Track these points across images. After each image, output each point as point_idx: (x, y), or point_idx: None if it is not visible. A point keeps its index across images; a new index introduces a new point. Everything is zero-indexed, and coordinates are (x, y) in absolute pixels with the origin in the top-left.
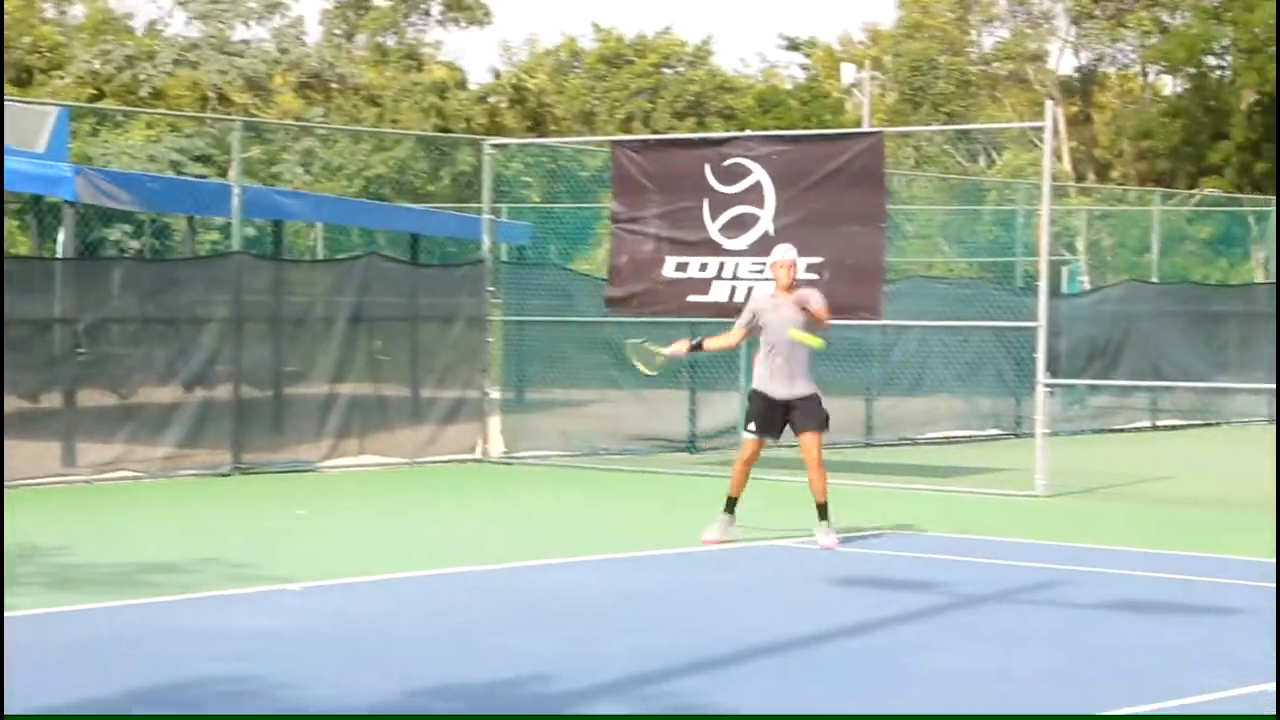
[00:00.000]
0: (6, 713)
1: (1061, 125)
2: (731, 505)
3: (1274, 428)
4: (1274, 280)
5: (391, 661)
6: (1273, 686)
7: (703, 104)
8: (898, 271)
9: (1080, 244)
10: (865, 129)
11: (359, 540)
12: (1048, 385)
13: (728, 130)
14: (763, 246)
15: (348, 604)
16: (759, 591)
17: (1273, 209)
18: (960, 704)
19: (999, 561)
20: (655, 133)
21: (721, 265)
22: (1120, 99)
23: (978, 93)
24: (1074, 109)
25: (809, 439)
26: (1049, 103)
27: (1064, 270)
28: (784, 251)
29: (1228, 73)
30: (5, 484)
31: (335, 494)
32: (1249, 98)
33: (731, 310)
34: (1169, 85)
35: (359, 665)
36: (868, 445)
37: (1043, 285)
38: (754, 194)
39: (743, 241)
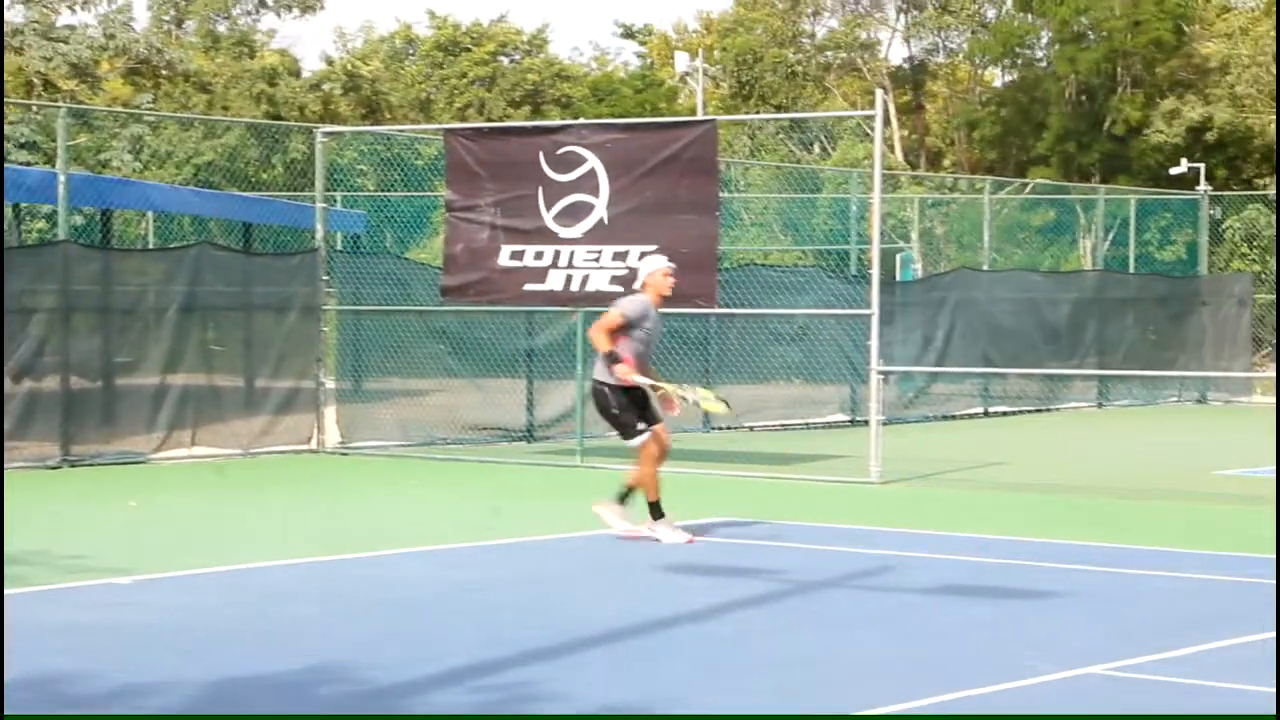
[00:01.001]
0: (7, 713)
1: (893, 114)
2: (657, 509)
3: (1094, 413)
4: (1102, 269)
5: (219, 654)
6: (1099, 669)
7: (539, 92)
8: (734, 259)
9: (914, 232)
10: (698, 117)
11: (190, 533)
12: (881, 372)
13: (564, 119)
14: (597, 235)
15: (178, 597)
16: (593, 580)
17: (1099, 198)
18: (787, 690)
19: (834, 548)
20: (491, 121)
21: (557, 254)
22: (950, 88)
23: (805, 84)
24: (906, 98)
25: (657, 434)
26: (879, 91)
27: (897, 258)
28: (667, 261)
29: (1046, 64)
30: None
31: (167, 486)
32: (1070, 88)
33: (566, 299)
34: (997, 76)
35: (187, 658)
36: (706, 432)
37: (875, 273)
38: (588, 182)
39: (577, 230)
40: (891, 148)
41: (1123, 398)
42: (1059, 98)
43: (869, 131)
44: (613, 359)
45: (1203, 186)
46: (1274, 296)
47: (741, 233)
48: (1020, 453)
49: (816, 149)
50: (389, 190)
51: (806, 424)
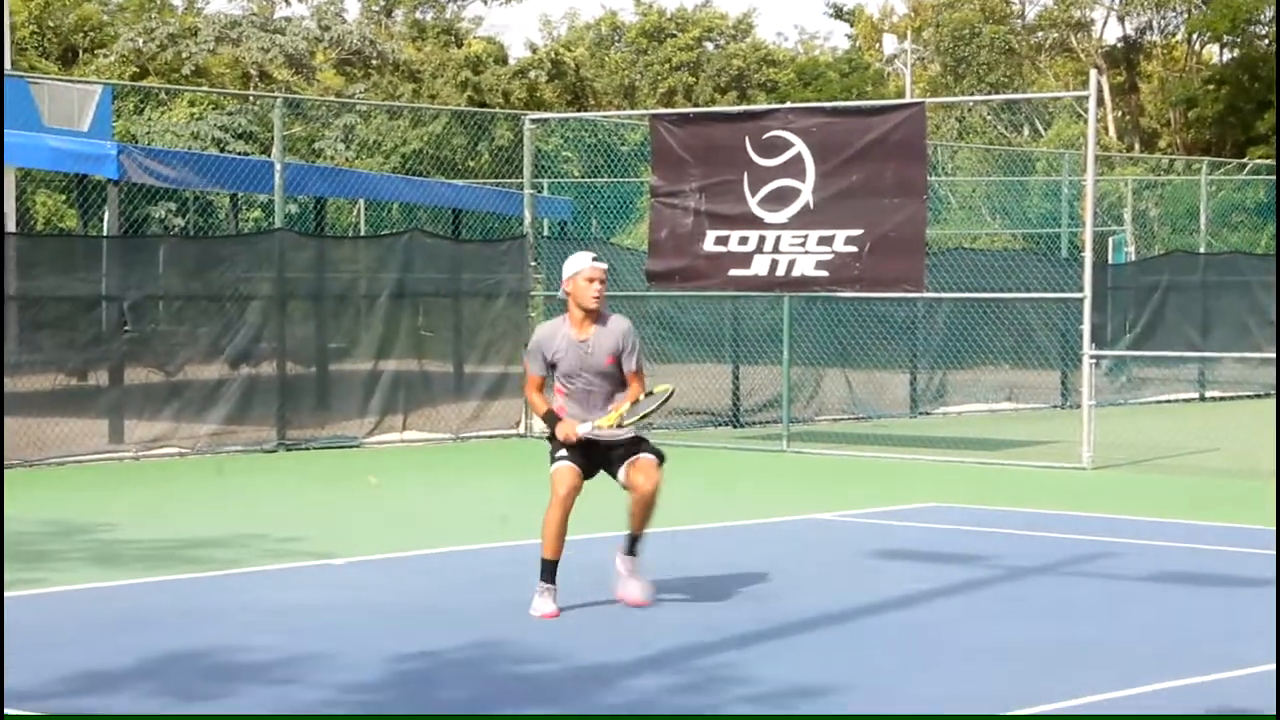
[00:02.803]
0: (8, 712)
1: (1106, 94)
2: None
3: None
4: None
5: (425, 635)
6: None
7: (745, 77)
8: (942, 243)
9: (1126, 214)
10: (906, 100)
11: (403, 516)
12: (1093, 357)
13: (769, 104)
14: (802, 219)
15: (390, 579)
16: (800, 566)
17: None
18: (998, 676)
19: (1045, 534)
20: (696, 107)
21: (762, 239)
22: (1166, 67)
23: (1021, 62)
24: (1119, 78)
25: (642, 463)
26: (1093, 71)
27: (1110, 241)
28: (594, 259)
29: (1269, 41)
30: (51, 460)
31: (379, 470)
32: None
33: (771, 284)
34: (1215, 54)
35: (396, 639)
36: (912, 418)
37: (1088, 256)
38: (794, 167)
39: (783, 215)
40: (1105, 129)
41: None
42: None
43: (1082, 112)
44: (548, 421)
45: None
46: None
47: (949, 216)
48: (1235, 438)
49: (1027, 130)
50: (594, 176)
51: (1016, 408)
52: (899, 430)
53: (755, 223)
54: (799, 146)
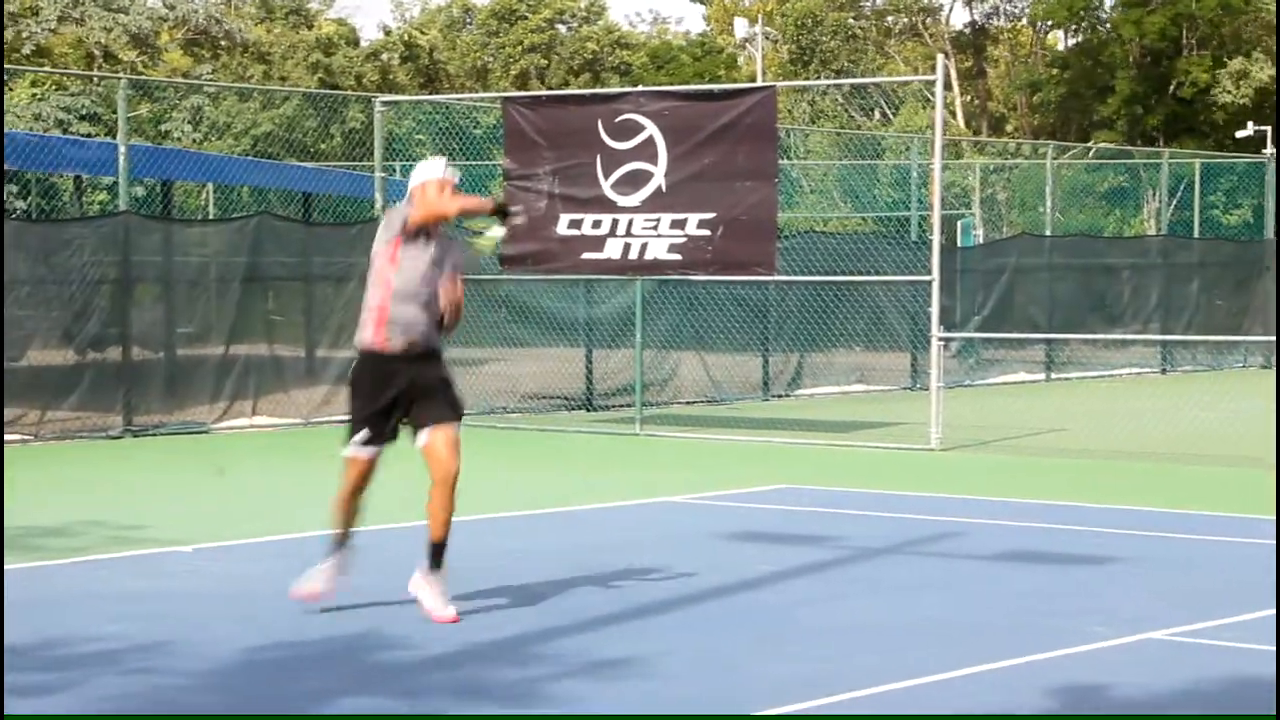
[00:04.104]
0: (6, 713)
1: (955, 80)
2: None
3: (1158, 379)
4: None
5: (274, 621)
6: (1159, 634)
7: (598, 60)
8: (793, 227)
9: (975, 198)
10: (757, 84)
11: (252, 502)
12: (942, 339)
13: (622, 87)
14: (655, 203)
15: (238, 565)
16: (651, 548)
17: (1163, 161)
18: (848, 655)
19: (893, 515)
20: (550, 90)
21: (615, 222)
22: (1012, 53)
23: (865, 48)
24: (968, 64)
25: (444, 435)
26: (940, 57)
27: (958, 224)
28: (445, 168)
29: (1110, 28)
30: None
31: (228, 456)
32: (1135, 51)
33: (624, 268)
34: (1060, 40)
35: (244, 625)
36: (764, 401)
37: (936, 239)
38: (646, 150)
39: (636, 198)
40: (953, 113)
41: (1186, 364)
42: (1124, 61)
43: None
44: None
45: (1270, 149)
46: None
47: (801, 200)
48: (1082, 419)
49: (877, 115)
50: (448, 159)
51: (868, 390)
52: (752, 413)
53: (608, 206)
54: (651, 130)
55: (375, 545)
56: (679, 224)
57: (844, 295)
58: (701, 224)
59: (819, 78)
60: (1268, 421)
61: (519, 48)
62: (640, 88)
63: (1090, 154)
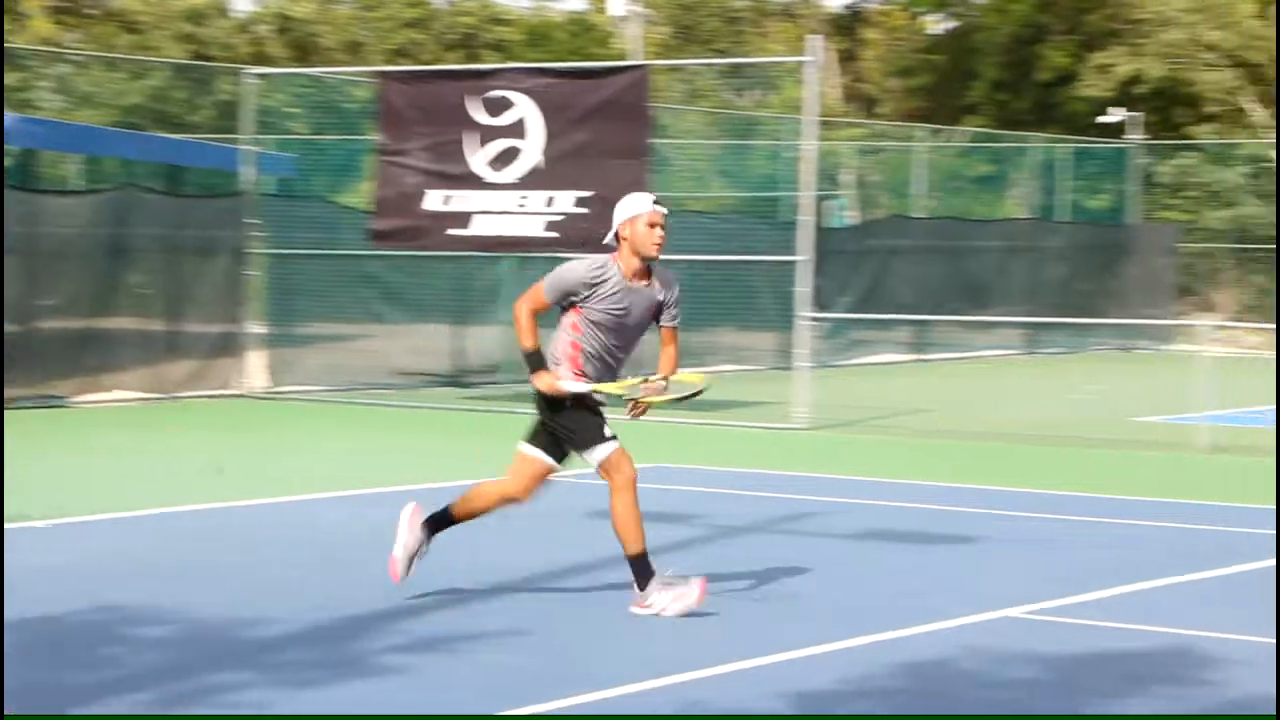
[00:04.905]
0: (6, 712)
1: (830, 61)
2: (644, 566)
3: (1024, 360)
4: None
5: (132, 595)
6: (1014, 611)
7: (473, 36)
8: (672, 205)
9: (847, 179)
10: (631, 63)
11: (112, 477)
12: (810, 319)
13: (498, 63)
14: (527, 180)
15: (96, 541)
16: (518, 526)
17: (1029, 146)
18: (710, 632)
19: (758, 494)
20: (425, 65)
21: (486, 199)
22: (886, 35)
23: (746, 29)
24: (843, 45)
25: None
26: (813, 37)
27: (829, 205)
28: (655, 202)
29: (979, 14)
30: None
31: (89, 430)
32: (1002, 37)
33: (494, 245)
34: (933, 24)
35: (96, 600)
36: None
37: (805, 219)
38: (519, 127)
39: (508, 175)
40: (826, 95)
41: (1051, 345)
42: (991, 47)
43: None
44: (531, 362)
45: (1133, 136)
46: (1200, 246)
47: (675, 178)
48: (948, 399)
49: (755, 94)
50: (320, 133)
51: (739, 370)
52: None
53: (479, 183)
54: (525, 107)
55: (239, 524)
56: (552, 201)
57: (716, 275)
58: (576, 202)
59: (698, 57)
60: (1126, 403)
61: (394, 22)
62: (514, 64)
63: (963, 138)
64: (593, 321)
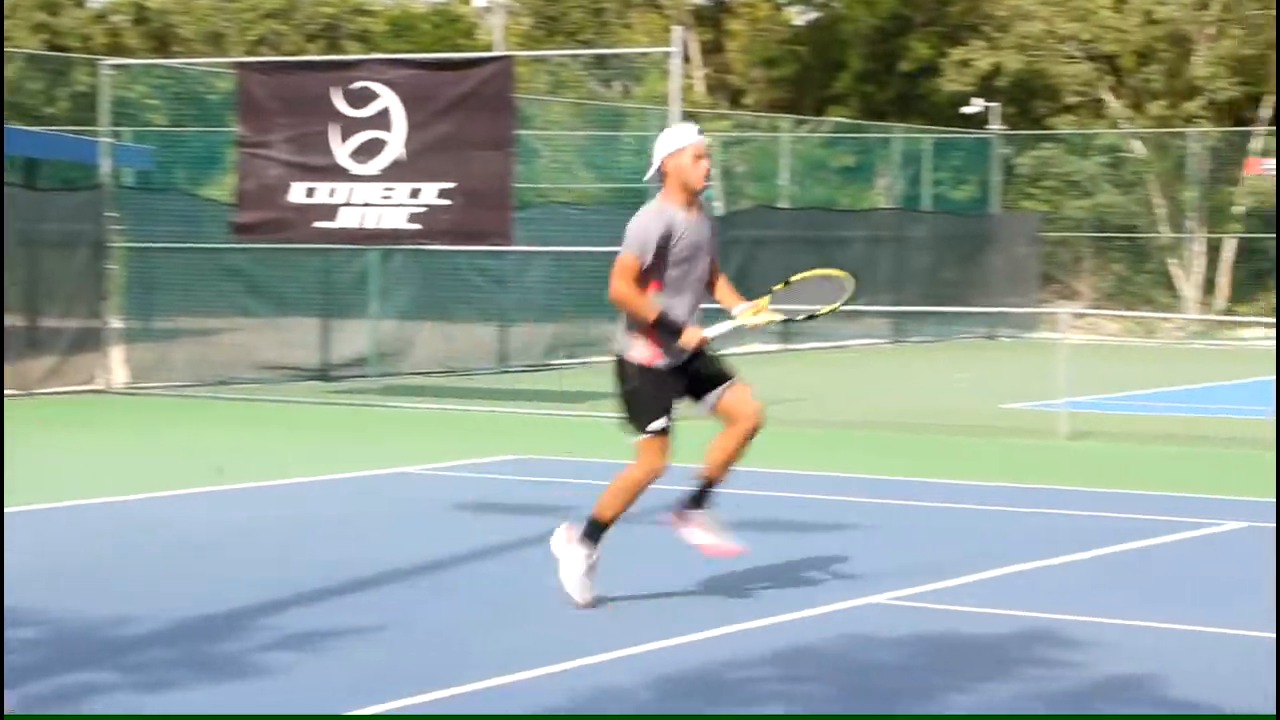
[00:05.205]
0: (6, 713)
1: (696, 52)
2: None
3: (890, 349)
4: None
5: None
6: (882, 598)
7: (336, 27)
8: (538, 196)
9: (712, 169)
10: (494, 54)
11: None
12: None
13: (361, 54)
14: (392, 172)
15: None
16: (383, 520)
17: (893, 137)
18: (576, 624)
19: None
20: (287, 56)
21: (350, 191)
22: (751, 26)
23: (610, 21)
24: (708, 36)
25: (739, 388)
26: (677, 29)
27: None
28: (698, 134)
29: (840, 5)
30: None
31: None
32: (865, 29)
33: (359, 237)
34: (797, 15)
35: None
36: (502, 371)
37: None
38: (383, 119)
39: (372, 167)
40: (692, 86)
41: (917, 334)
42: (856, 38)
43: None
44: (666, 328)
45: (995, 127)
46: (1061, 235)
47: (542, 170)
48: (817, 389)
49: (619, 86)
50: (180, 125)
51: (606, 360)
52: (489, 384)
53: (343, 175)
54: (388, 98)
55: (98, 522)
56: (417, 193)
57: (585, 266)
58: (440, 194)
59: (563, 48)
60: (991, 390)
61: (255, 12)
62: (378, 55)
63: (827, 129)
64: (671, 272)
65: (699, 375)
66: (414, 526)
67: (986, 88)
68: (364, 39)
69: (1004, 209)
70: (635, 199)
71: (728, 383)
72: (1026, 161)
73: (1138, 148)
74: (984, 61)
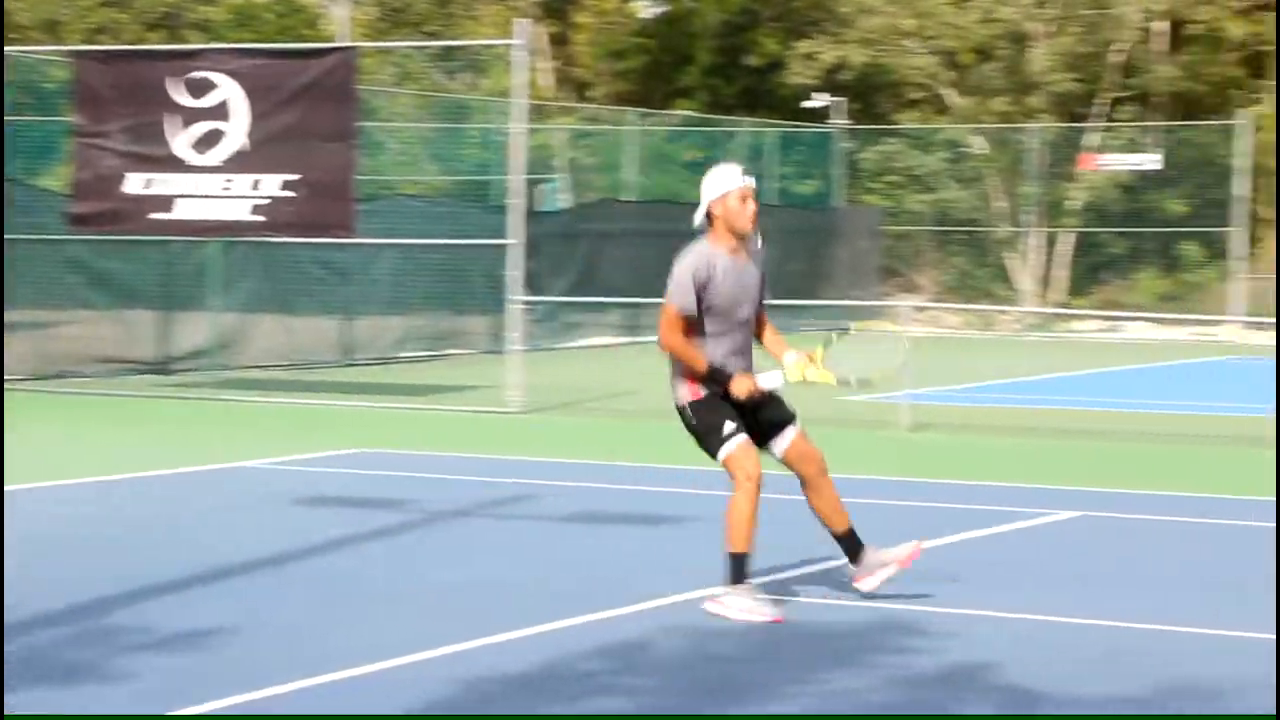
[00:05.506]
0: (7, 712)
1: (543, 44)
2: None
3: None
4: None
5: None
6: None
7: (176, 15)
8: (383, 189)
9: (560, 162)
10: (337, 44)
11: None
12: (522, 303)
13: (202, 44)
14: (232, 163)
15: None
16: (224, 515)
17: (739, 130)
18: (410, 619)
19: (471, 478)
20: (126, 45)
21: (189, 182)
22: (598, 19)
23: (456, 12)
24: (555, 28)
25: (800, 438)
26: (522, 21)
27: (542, 188)
28: (744, 176)
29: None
30: None
31: None
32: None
33: (198, 229)
34: (644, 8)
35: None
36: (346, 365)
37: (516, 203)
38: (223, 109)
39: (211, 158)
40: (537, 79)
41: None
42: (704, 31)
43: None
44: (716, 379)
45: (841, 121)
46: (903, 229)
47: (387, 162)
48: (661, 381)
49: (466, 78)
50: (16, 114)
51: (454, 354)
52: (335, 377)
53: (182, 165)
54: (229, 89)
55: None
56: (259, 184)
57: (430, 259)
58: (283, 185)
59: (410, 39)
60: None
61: (93, 0)
62: (218, 45)
63: (670, 122)
64: (715, 317)
65: (760, 420)
66: (255, 521)
67: (831, 83)
68: (205, 28)
69: (847, 203)
70: (481, 192)
71: (790, 429)
72: (870, 156)
73: (978, 143)
74: (829, 55)
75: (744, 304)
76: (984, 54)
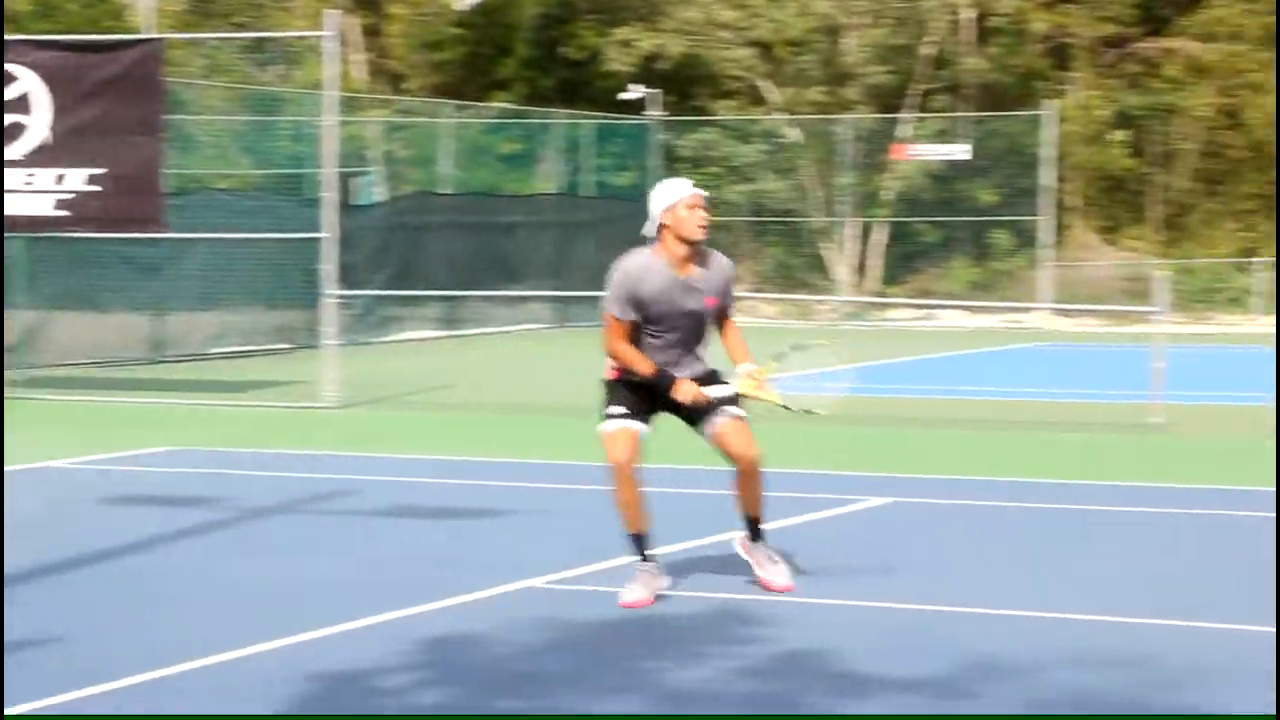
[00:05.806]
0: (8, 712)
1: (356, 36)
2: (642, 545)
3: (554, 334)
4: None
5: None
6: (538, 582)
7: None
8: (194, 183)
9: (374, 155)
10: (143, 36)
11: None
12: (336, 297)
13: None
14: (34, 157)
15: None
16: (30, 515)
17: (555, 122)
18: (223, 617)
19: (284, 474)
20: None
21: None
22: (412, 11)
23: (267, 4)
24: (369, 20)
25: (734, 423)
26: (332, 12)
27: (358, 182)
28: (695, 185)
29: None
30: None
31: None
32: (532, 14)
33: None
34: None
35: None
36: (156, 362)
37: (329, 196)
38: (25, 103)
39: (14, 152)
40: (350, 71)
41: (581, 319)
42: (522, 23)
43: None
44: (661, 383)
45: (656, 113)
46: (720, 219)
47: (198, 156)
48: (480, 374)
49: (278, 70)
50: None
51: (270, 350)
52: (144, 374)
53: None
54: (30, 81)
55: None
56: (63, 179)
57: (243, 253)
58: (87, 180)
59: (221, 30)
60: None
61: None
62: (18, 37)
63: (487, 114)
64: (650, 323)
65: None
66: (62, 521)
67: (649, 73)
68: (10, 19)
69: None
70: (293, 186)
71: (724, 413)
72: (687, 145)
73: (793, 134)
74: (646, 43)
75: (683, 312)
76: (798, 45)
